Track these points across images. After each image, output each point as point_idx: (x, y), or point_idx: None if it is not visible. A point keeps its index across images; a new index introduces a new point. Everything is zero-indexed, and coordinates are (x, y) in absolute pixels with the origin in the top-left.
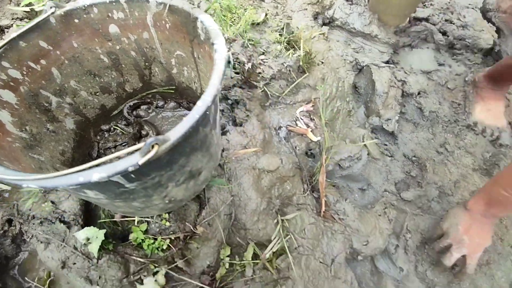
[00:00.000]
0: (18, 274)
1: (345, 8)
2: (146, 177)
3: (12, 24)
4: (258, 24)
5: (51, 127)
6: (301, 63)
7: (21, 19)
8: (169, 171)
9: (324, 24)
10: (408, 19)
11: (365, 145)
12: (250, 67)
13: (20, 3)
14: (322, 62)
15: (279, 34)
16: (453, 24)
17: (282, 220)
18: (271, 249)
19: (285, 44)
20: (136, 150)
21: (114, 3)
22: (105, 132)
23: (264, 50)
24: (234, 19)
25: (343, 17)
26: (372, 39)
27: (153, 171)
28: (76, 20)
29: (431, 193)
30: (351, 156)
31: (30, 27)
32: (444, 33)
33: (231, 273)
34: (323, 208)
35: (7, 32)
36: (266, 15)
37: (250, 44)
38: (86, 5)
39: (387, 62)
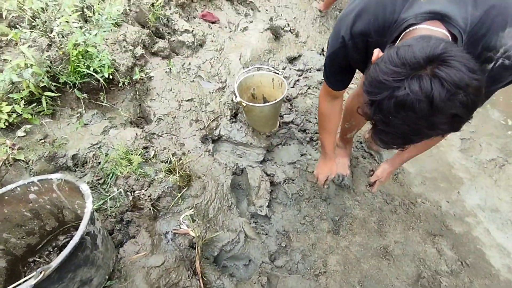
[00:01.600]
0: None
1: (228, 127)
2: None
3: None
4: (148, 159)
5: None
6: (178, 184)
7: None
8: (62, 283)
9: (213, 141)
10: (278, 124)
11: (242, 229)
12: (134, 196)
13: None
14: (204, 174)
15: (165, 163)
16: (311, 122)
17: None
18: None
19: (166, 171)
20: (31, 277)
21: (30, 183)
22: (32, 263)
23: (152, 178)
24: (130, 160)
25: (227, 133)
26: (250, 146)
27: (50, 285)
28: (6, 197)
29: (296, 257)
30: (230, 241)
31: None
32: (304, 131)
33: None
34: (203, 286)
35: None
36: (155, 152)
37: (141, 177)
38: (12, 188)
39: (263, 161)
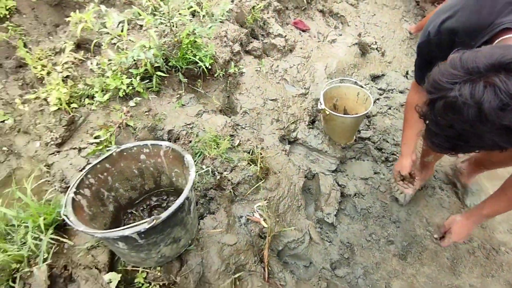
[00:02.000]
0: None
1: (305, 131)
2: (149, 237)
3: (86, 147)
4: (234, 147)
5: (102, 209)
6: (258, 174)
7: (92, 144)
8: (161, 235)
9: (289, 142)
10: (354, 138)
11: (308, 232)
12: (221, 177)
13: (93, 134)
14: (279, 171)
15: (247, 153)
16: (388, 142)
17: (235, 279)
18: None
19: (248, 161)
20: (145, 222)
21: (144, 145)
22: (129, 214)
23: (235, 165)
24: (218, 144)
25: (303, 138)
26: (324, 154)
27: (153, 234)
28: (125, 153)
29: (358, 271)
30: (295, 239)
31: (103, 158)
32: (380, 149)
33: None
34: (267, 275)
35: (83, 150)
36: (239, 141)
37: (226, 160)
38: (130, 146)
39: (335, 171)
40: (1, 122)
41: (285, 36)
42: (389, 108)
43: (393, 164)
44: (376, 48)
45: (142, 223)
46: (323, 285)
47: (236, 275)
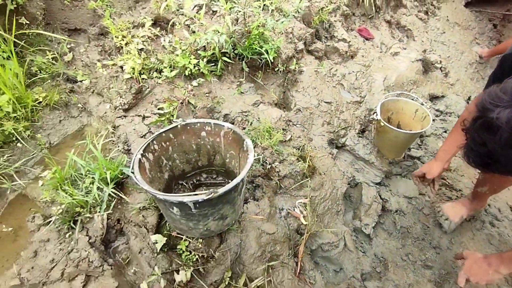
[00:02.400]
0: (111, 253)
1: (354, 139)
2: (202, 209)
3: (149, 116)
4: (285, 141)
5: (159, 174)
6: (305, 172)
7: (155, 114)
8: (212, 210)
9: (337, 147)
10: (403, 155)
11: (343, 237)
12: (270, 167)
13: (157, 105)
14: (324, 173)
15: (297, 149)
16: None
17: (269, 266)
18: (255, 283)
19: (298, 157)
20: (203, 193)
21: (207, 123)
22: (179, 185)
23: (283, 158)
24: (271, 135)
25: (351, 145)
26: (370, 165)
27: (206, 206)
28: (188, 127)
29: None
30: (330, 242)
31: (169, 128)
32: None
33: None
34: (298, 270)
35: (147, 119)
36: (291, 137)
37: (276, 152)
38: (194, 122)
39: (378, 183)
40: (80, 81)
41: (349, 41)
42: (445, 131)
43: (440, 189)
44: (440, 68)
45: (201, 193)
46: None
47: (270, 264)
